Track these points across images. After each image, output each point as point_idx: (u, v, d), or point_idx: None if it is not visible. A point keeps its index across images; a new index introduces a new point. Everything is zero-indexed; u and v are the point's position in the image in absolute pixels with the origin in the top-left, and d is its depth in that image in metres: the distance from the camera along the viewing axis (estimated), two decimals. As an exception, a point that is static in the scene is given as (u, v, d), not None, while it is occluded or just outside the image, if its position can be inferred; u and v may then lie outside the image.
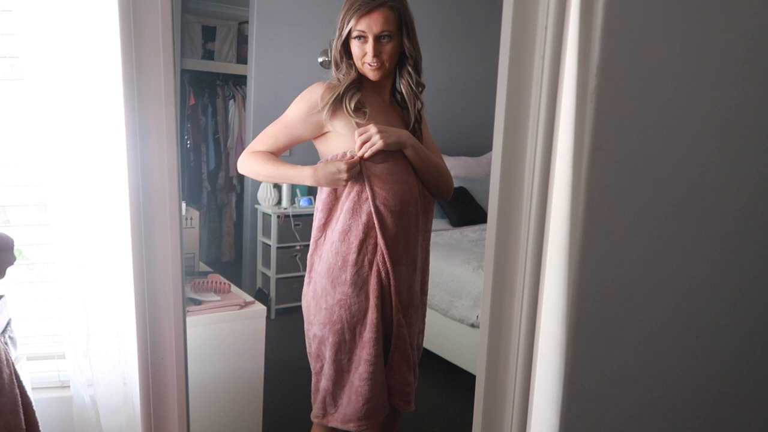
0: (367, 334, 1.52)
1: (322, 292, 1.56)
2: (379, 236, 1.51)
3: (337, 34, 1.52)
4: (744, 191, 1.00)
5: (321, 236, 1.59)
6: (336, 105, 1.51)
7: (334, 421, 1.58)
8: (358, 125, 1.50)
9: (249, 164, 1.59)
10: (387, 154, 1.52)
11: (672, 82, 0.91)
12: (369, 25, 1.46)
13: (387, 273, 1.53)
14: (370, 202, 1.50)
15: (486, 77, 4.48)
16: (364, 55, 1.50)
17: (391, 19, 1.47)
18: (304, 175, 1.52)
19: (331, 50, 1.56)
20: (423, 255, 1.65)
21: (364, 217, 1.51)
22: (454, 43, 4.50)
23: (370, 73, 1.52)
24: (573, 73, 0.87)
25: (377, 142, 1.48)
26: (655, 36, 0.88)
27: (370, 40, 1.47)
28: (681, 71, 0.91)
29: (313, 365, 1.62)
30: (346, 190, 1.53)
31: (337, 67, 1.56)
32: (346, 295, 1.52)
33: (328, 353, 1.56)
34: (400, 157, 1.54)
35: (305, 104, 1.55)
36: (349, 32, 1.49)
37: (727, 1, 0.92)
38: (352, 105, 1.50)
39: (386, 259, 1.52)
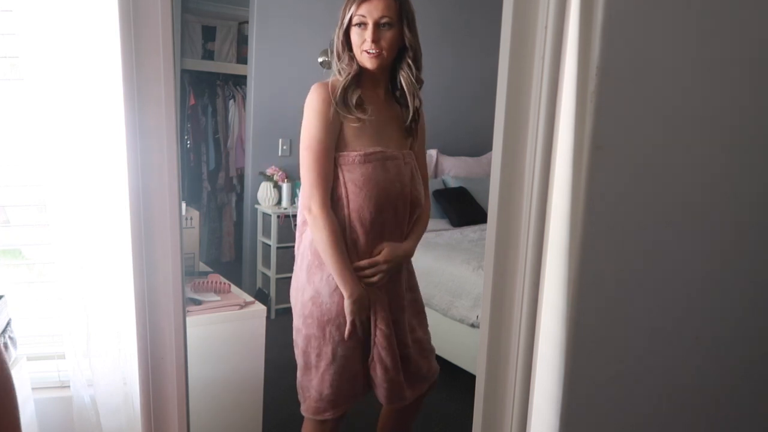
0: (337, 333, 1.54)
1: (300, 286, 1.59)
2: (358, 241, 1.52)
3: (339, 23, 1.52)
4: (744, 191, 1.00)
5: (305, 230, 1.60)
6: (342, 98, 1.50)
7: (304, 411, 1.62)
8: (359, 120, 1.50)
9: (325, 232, 1.50)
10: (366, 157, 1.50)
11: (672, 82, 0.91)
12: (369, 10, 1.46)
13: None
14: (345, 207, 1.51)
15: (486, 77, 4.48)
16: (362, 42, 1.48)
17: (392, 7, 1.47)
18: (347, 290, 1.51)
19: (333, 44, 1.55)
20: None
21: (340, 220, 1.52)
22: (454, 43, 4.50)
23: (368, 62, 1.49)
24: (573, 73, 0.87)
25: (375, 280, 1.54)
26: (655, 36, 0.88)
27: (370, 26, 1.46)
28: (681, 71, 0.91)
29: (295, 351, 1.66)
30: (333, 197, 1.53)
31: (339, 58, 1.54)
32: (318, 293, 1.55)
33: (299, 344, 1.60)
34: (383, 160, 1.53)
35: (323, 117, 1.49)
36: (350, 20, 1.49)
37: (727, 1, 0.92)
38: (354, 100, 1.50)
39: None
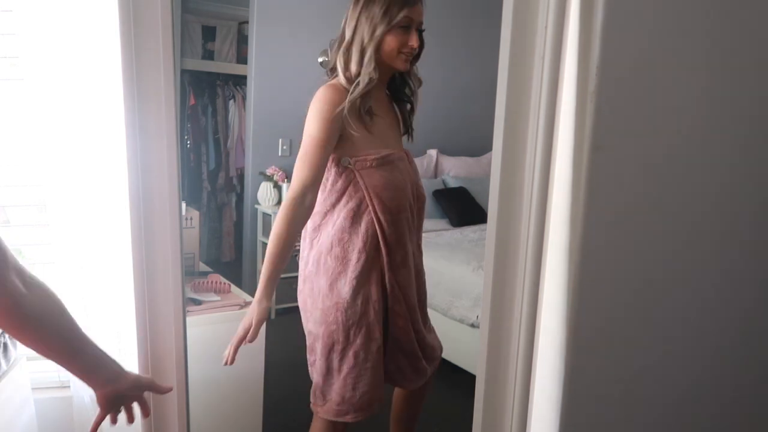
0: (361, 338, 1.56)
1: (319, 292, 1.57)
2: (382, 244, 1.54)
3: (384, 22, 1.47)
4: (744, 191, 1.00)
5: (316, 237, 1.60)
6: (362, 106, 1.50)
7: (324, 413, 1.61)
8: (367, 129, 1.51)
9: (280, 228, 1.46)
10: (382, 160, 1.53)
11: (672, 82, 0.91)
12: (415, 14, 1.50)
13: (394, 277, 1.58)
14: (371, 211, 1.52)
15: (486, 77, 4.47)
16: (403, 45, 1.50)
17: (423, 12, 1.54)
18: (256, 298, 1.47)
19: (363, 44, 1.49)
20: (419, 254, 1.71)
21: (363, 225, 1.53)
22: (454, 43, 4.50)
23: (403, 64, 1.53)
24: (573, 73, 0.87)
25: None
26: (655, 36, 0.88)
27: (413, 29, 1.51)
28: (681, 71, 0.91)
29: (308, 357, 1.66)
30: (345, 196, 1.53)
31: (364, 62, 1.48)
32: (343, 299, 1.54)
33: (320, 350, 1.59)
34: (394, 161, 1.56)
35: (329, 118, 1.47)
36: (397, 22, 1.48)
37: (727, 1, 0.92)
38: (366, 107, 1.51)
39: (387, 266, 1.56)
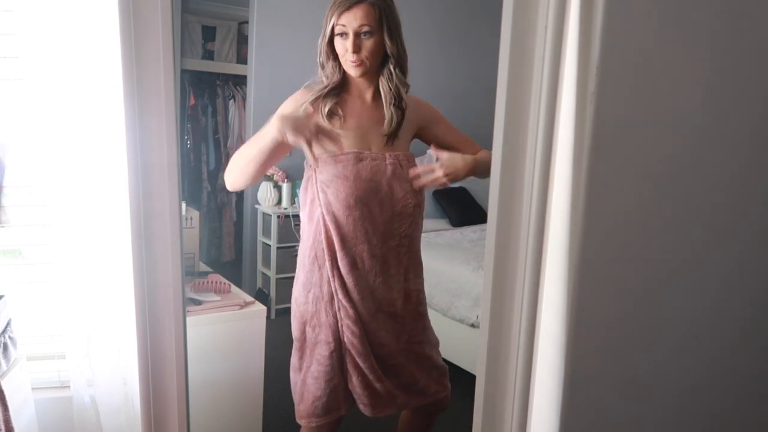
0: (313, 337, 1.57)
1: (294, 288, 1.64)
2: (324, 243, 1.52)
3: (322, 32, 1.51)
4: (744, 191, 1.00)
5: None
6: (314, 107, 1.52)
7: (297, 416, 1.63)
8: (334, 128, 1.51)
9: (230, 165, 1.54)
10: (336, 158, 1.49)
11: (672, 82, 0.91)
12: (349, 20, 1.44)
13: (340, 278, 1.52)
14: (318, 206, 1.51)
15: (486, 77, 4.47)
16: (345, 52, 1.48)
17: (371, 15, 1.45)
18: (269, 128, 1.43)
19: (318, 52, 1.55)
20: (405, 259, 1.60)
21: (314, 224, 1.54)
22: (453, 43, 4.50)
23: (352, 70, 1.50)
24: (573, 73, 0.87)
25: (439, 179, 1.53)
26: (655, 36, 0.88)
27: (350, 35, 1.45)
28: (681, 71, 0.91)
29: None
30: (308, 196, 1.54)
31: (323, 67, 1.55)
32: (297, 295, 1.60)
33: (293, 345, 1.64)
34: (355, 160, 1.50)
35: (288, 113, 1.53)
36: (332, 29, 1.48)
37: (727, 1, 0.92)
38: (326, 109, 1.51)
39: (329, 264, 1.52)
